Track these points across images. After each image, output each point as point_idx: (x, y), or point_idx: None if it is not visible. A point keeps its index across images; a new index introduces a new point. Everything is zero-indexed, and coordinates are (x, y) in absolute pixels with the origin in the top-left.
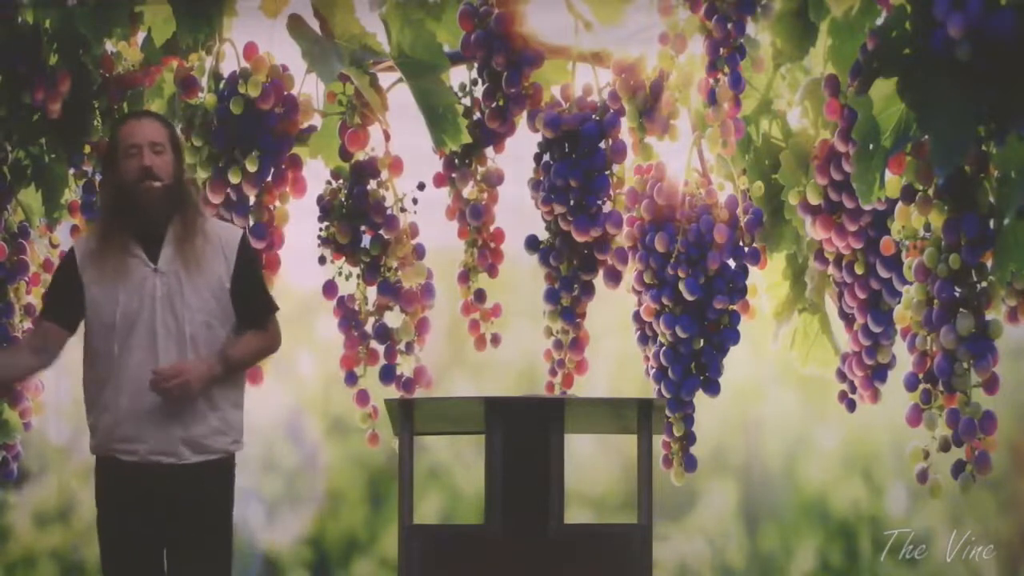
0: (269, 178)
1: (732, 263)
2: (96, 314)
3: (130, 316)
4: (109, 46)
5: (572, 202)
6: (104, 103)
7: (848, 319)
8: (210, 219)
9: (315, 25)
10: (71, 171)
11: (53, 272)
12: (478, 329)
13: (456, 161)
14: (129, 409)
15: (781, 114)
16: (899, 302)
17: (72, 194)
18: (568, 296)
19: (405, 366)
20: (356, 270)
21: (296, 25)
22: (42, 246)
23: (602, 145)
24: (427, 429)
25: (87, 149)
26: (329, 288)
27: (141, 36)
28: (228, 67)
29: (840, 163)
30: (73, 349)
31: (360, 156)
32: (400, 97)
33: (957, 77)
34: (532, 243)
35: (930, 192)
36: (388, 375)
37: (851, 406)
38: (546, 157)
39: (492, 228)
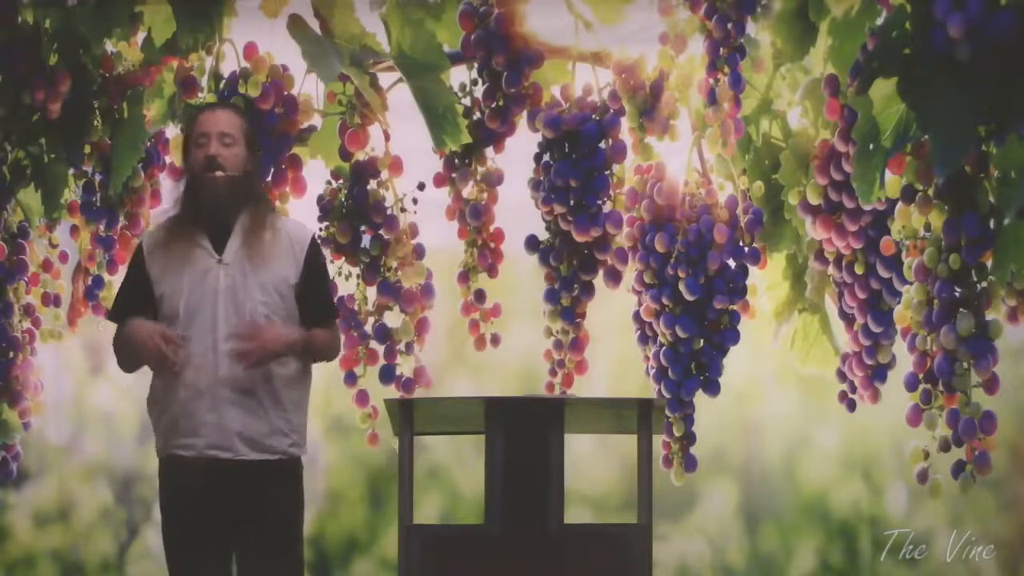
0: (269, 178)
1: (732, 263)
2: (163, 305)
3: (192, 307)
4: (109, 46)
5: (572, 202)
6: (104, 103)
7: (848, 319)
8: (281, 216)
9: (315, 25)
10: (71, 171)
11: (124, 278)
12: (478, 329)
13: (456, 161)
14: (187, 401)
15: (781, 114)
16: (899, 302)
17: (72, 194)
18: (568, 296)
19: (405, 366)
20: (356, 270)
21: (296, 25)
22: (41, 246)
23: (602, 145)
24: (427, 429)
25: (87, 149)
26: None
27: (141, 36)
28: (228, 67)
29: (840, 163)
30: (72, 349)
31: (360, 156)
32: (400, 97)
33: (957, 77)
34: (532, 243)
35: (930, 192)
36: (388, 375)
37: (851, 406)
38: (546, 157)
39: (492, 228)
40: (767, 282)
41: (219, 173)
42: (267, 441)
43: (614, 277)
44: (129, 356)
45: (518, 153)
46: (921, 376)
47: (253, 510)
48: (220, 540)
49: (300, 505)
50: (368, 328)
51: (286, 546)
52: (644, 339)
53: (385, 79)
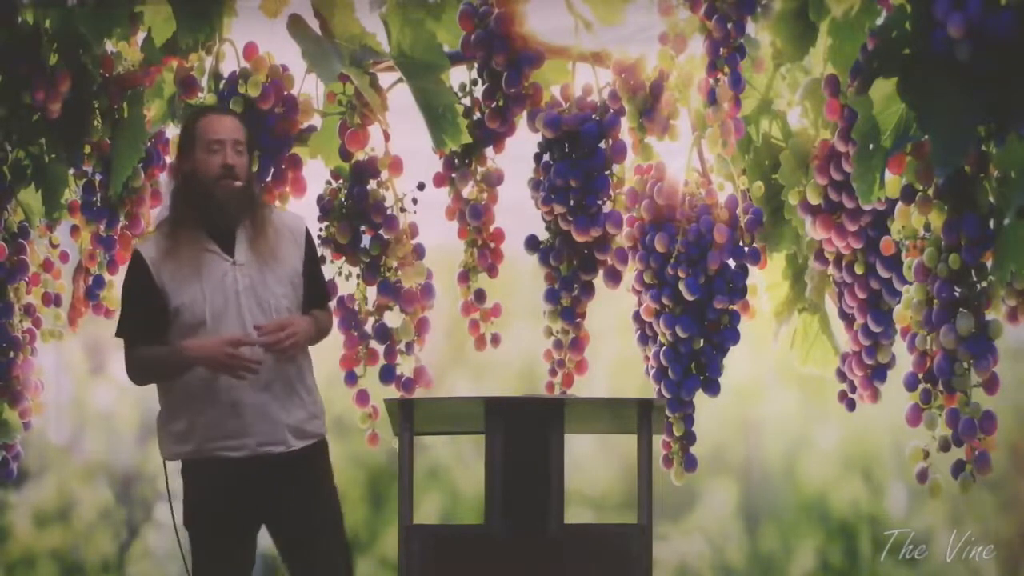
0: (269, 178)
1: (732, 263)
2: (184, 314)
3: (217, 311)
4: (109, 46)
5: (572, 202)
6: (104, 103)
7: (848, 319)
8: (275, 211)
9: (315, 25)
10: (71, 171)
11: (126, 292)
12: (478, 329)
13: (456, 161)
14: (231, 404)
15: (781, 114)
16: (899, 302)
17: (72, 194)
18: (568, 296)
19: (405, 366)
20: (356, 270)
21: (296, 25)
22: (42, 246)
23: (602, 145)
24: (427, 429)
25: (87, 149)
26: (329, 288)
27: (141, 36)
28: (228, 67)
29: (840, 163)
30: (73, 349)
31: (360, 156)
32: (400, 97)
33: (957, 77)
34: (532, 243)
35: (930, 192)
36: (388, 375)
37: (851, 406)
38: (546, 157)
39: (492, 228)
40: (767, 282)
41: (236, 183)
42: (308, 427)
43: (614, 277)
44: (161, 376)
45: (518, 153)
46: (921, 376)
47: (303, 495)
48: (251, 529)
49: (334, 480)
50: (368, 328)
51: (334, 522)
52: (644, 339)
53: (385, 79)
